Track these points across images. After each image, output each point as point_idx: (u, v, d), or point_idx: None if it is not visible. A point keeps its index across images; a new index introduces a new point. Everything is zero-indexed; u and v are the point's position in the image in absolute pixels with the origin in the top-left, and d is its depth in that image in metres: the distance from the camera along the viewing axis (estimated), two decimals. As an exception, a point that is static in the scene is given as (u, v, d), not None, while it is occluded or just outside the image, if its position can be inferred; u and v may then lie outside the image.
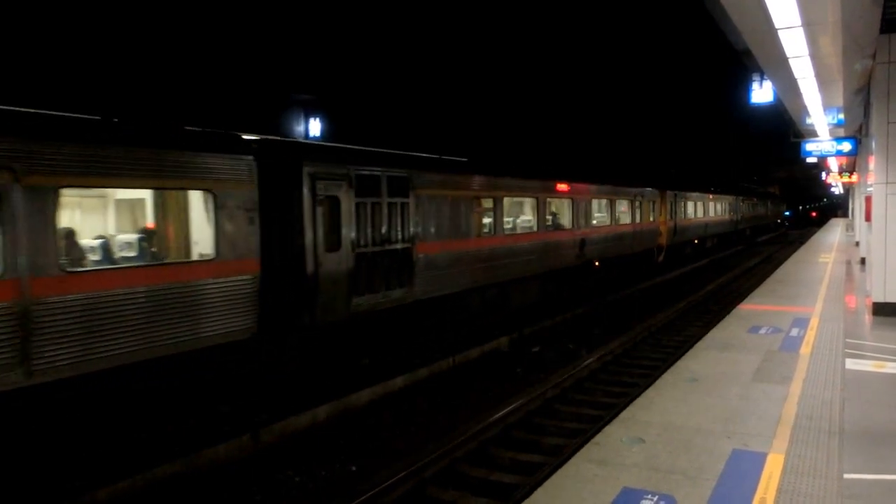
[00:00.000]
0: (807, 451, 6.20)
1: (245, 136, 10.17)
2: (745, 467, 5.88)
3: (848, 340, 10.62)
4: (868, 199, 14.10)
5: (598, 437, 6.78)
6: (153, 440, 8.41)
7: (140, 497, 7.47)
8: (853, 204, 38.72)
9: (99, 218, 9.56)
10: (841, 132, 22.74)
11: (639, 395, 8.87)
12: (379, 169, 11.94)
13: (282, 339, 10.35)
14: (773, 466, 5.88)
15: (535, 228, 17.31)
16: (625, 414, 7.51)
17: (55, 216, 7.52)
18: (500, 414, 9.57)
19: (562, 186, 18.51)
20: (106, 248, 8.69)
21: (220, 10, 24.39)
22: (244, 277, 9.45)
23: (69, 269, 7.65)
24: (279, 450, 8.88)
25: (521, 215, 17.86)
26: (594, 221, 20.64)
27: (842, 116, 20.01)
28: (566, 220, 19.01)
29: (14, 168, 7.11)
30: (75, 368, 7.53)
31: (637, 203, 24.26)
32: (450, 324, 14.08)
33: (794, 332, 11.54)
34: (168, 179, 8.73)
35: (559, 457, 8.04)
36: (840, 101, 17.34)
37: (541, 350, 14.38)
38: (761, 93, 22.05)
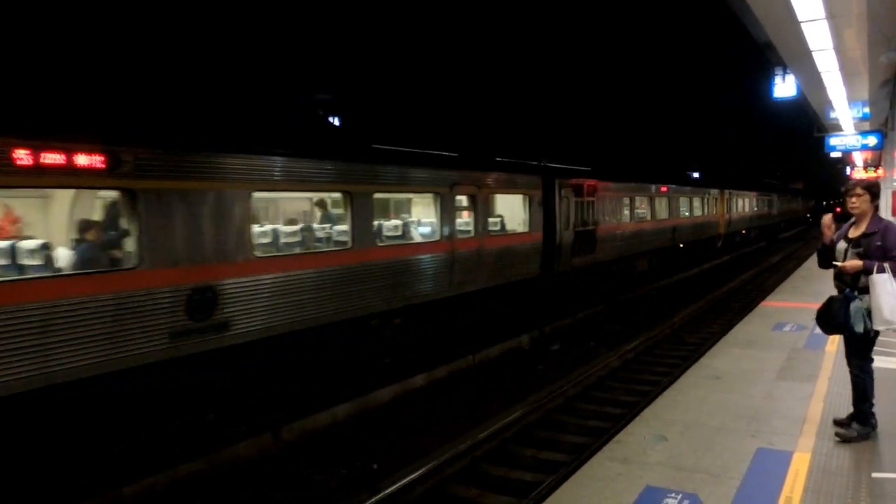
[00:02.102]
0: (833, 450, 6.09)
1: (532, 163, 18.02)
2: (770, 466, 5.80)
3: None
4: (894, 194, 13.88)
5: (620, 436, 6.71)
6: (176, 437, 8.46)
7: (164, 494, 7.52)
8: (885, 199, 38.12)
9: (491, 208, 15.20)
10: (866, 126, 22.47)
11: (661, 392, 8.78)
12: (587, 181, 18.84)
13: (545, 280, 16.89)
14: (799, 465, 5.79)
15: (648, 218, 23.99)
16: (647, 412, 7.44)
17: (491, 208, 14.68)
18: (521, 412, 9.53)
19: (664, 188, 25.32)
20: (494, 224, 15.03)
21: (240, 12, 24.51)
22: (537, 242, 16.31)
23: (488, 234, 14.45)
24: (300, 448, 8.90)
25: (642, 208, 23.81)
26: (681, 213, 27.53)
27: (867, 110, 19.76)
28: (665, 212, 25.64)
29: (478, 185, 14.02)
30: (466, 287, 13.73)
31: (706, 200, 31.05)
32: (608, 280, 20.87)
33: (819, 329, 11.32)
34: (515, 188, 15.69)
35: (581, 455, 7.99)
36: (865, 95, 17.12)
37: (561, 348, 14.32)
38: (784, 87, 21.75)
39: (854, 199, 6.24)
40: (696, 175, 40.87)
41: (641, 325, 16.21)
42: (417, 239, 13.17)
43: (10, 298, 6.80)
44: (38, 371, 6.97)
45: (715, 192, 32.55)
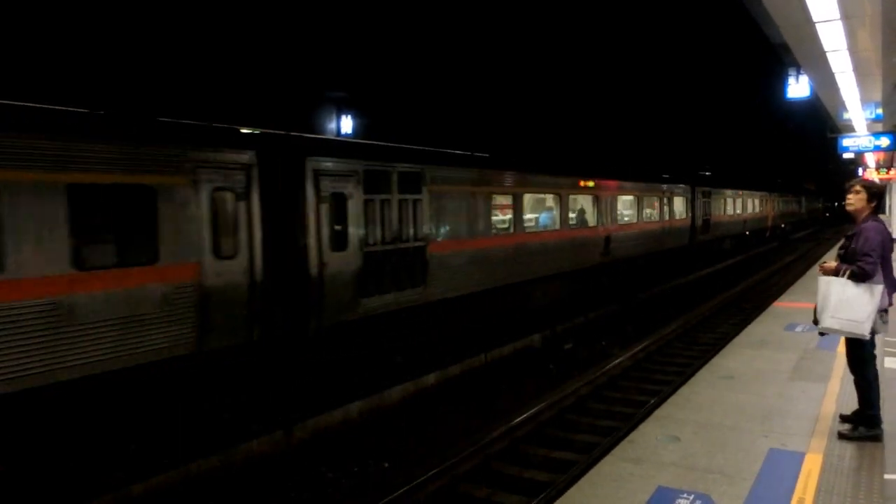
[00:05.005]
0: (846, 451, 6.10)
1: (685, 175, 27.88)
2: (782, 467, 5.81)
3: (887, 339, 10.39)
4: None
5: (632, 436, 6.73)
6: (190, 435, 8.53)
7: (175, 491, 7.57)
8: (891, 200, 37.90)
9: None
10: (879, 127, 22.32)
11: (673, 392, 8.80)
12: (707, 188, 29.02)
13: (690, 247, 26.90)
14: (812, 466, 5.80)
15: (732, 212, 34.09)
16: (659, 412, 7.46)
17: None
18: (534, 411, 9.55)
19: (741, 191, 35.78)
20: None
21: (254, 9, 24.56)
22: (687, 225, 26.72)
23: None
24: (312, 446, 8.96)
25: (730, 205, 33.69)
26: (748, 210, 37.70)
27: (880, 111, 19.63)
28: (741, 209, 35.86)
29: (671, 191, 25.42)
30: (665, 245, 24.74)
31: (762, 200, 41.89)
32: (730, 249, 33.46)
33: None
34: (681, 193, 26.25)
35: (593, 455, 8.01)
36: (878, 96, 17.01)
37: (573, 347, 14.33)
38: (797, 87, 21.69)
39: (851, 196, 6.28)
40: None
41: (655, 325, 16.20)
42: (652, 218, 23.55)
43: (548, 237, 16.70)
44: (555, 268, 16.80)
45: (766, 194, 43.43)
